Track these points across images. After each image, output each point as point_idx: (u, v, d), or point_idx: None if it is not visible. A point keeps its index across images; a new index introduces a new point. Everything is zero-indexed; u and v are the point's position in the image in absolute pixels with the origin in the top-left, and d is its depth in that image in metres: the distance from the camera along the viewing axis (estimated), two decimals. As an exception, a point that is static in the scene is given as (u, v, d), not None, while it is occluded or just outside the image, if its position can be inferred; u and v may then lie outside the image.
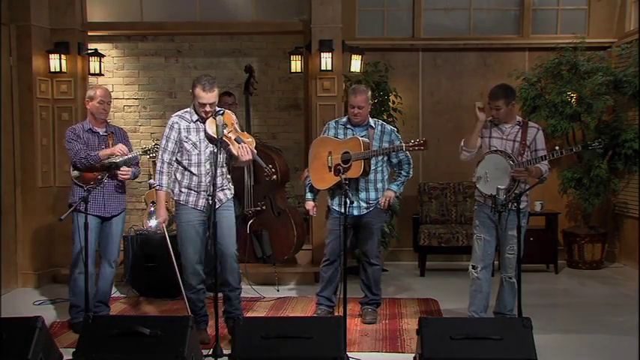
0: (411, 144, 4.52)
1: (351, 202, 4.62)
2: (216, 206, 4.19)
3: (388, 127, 4.86)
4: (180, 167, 4.30)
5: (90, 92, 4.77)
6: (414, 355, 3.71)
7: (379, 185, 4.79)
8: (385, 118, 6.68)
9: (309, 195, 4.98)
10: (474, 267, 4.49)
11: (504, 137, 4.41)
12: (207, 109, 4.18)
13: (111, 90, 7.24)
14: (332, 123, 4.94)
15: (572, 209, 7.20)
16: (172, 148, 4.27)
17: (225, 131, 4.16)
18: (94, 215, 4.54)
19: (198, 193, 4.28)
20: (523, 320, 3.51)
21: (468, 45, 7.23)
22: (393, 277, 6.49)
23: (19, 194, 6.10)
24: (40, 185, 6.14)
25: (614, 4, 7.11)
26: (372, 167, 4.69)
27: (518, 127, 4.41)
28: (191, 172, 4.26)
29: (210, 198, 4.17)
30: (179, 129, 4.25)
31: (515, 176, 4.23)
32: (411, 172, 4.87)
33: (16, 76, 6.07)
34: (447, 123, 7.19)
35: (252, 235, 5.94)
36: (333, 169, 4.68)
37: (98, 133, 4.71)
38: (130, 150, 4.76)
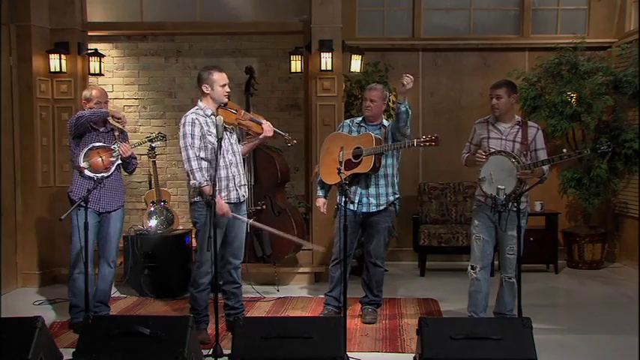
0: (422, 139, 4.48)
1: (351, 202, 4.62)
2: (241, 200, 4.45)
3: None
4: (204, 163, 4.29)
5: (86, 93, 4.80)
6: (414, 355, 3.71)
7: (389, 180, 4.79)
8: (385, 118, 6.67)
9: (320, 192, 5.01)
10: (472, 267, 4.47)
11: (503, 137, 4.38)
12: (227, 88, 4.38)
13: (110, 90, 7.30)
14: (347, 121, 4.99)
15: (572, 209, 7.20)
16: (198, 144, 4.27)
17: (239, 114, 4.39)
18: (90, 210, 4.47)
19: (227, 186, 4.35)
20: (523, 320, 3.51)
21: (468, 45, 7.23)
22: (393, 277, 6.48)
23: (19, 194, 6.10)
24: (40, 185, 6.14)
25: (614, 4, 7.11)
26: (383, 164, 4.71)
27: (517, 126, 4.39)
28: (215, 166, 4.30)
29: (240, 188, 4.43)
30: (200, 124, 4.29)
31: (522, 178, 4.21)
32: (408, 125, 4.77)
33: (16, 76, 6.07)
34: (447, 123, 7.19)
35: (252, 235, 5.94)
36: (344, 164, 4.68)
37: (98, 129, 4.73)
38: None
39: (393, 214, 4.93)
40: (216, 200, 4.19)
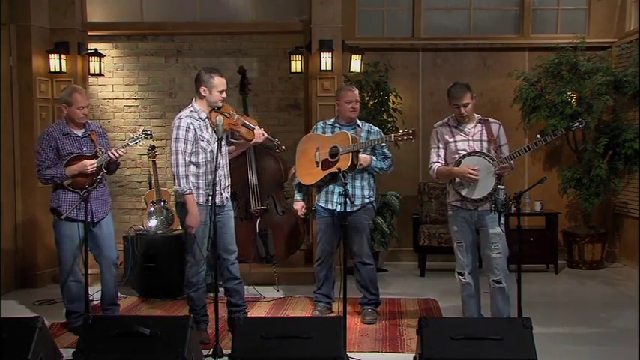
0: (399, 134, 4.57)
1: (348, 198, 4.60)
2: (224, 203, 4.43)
3: (375, 128, 4.98)
4: (193, 168, 4.31)
5: (65, 96, 4.53)
6: (414, 355, 3.71)
7: (365, 183, 4.82)
8: (385, 118, 6.69)
9: (298, 195, 5.10)
10: (460, 273, 4.38)
11: (470, 138, 4.29)
12: (224, 94, 4.37)
13: (110, 90, 7.31)
14: (320, 124, 5.05)
15: (572, 209, 7.19)
16: (190, 150, 4.27)
17: (232, 119, 4.38)
18: (81, 221, 4.42)
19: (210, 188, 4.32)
20: (523, 320, 3.51)
21: (468, 45, 7.23)
22: (393, 277, 6.49)
23: (19, 194, 6.10)
24: (40, 185, 6.10)
25: (614, 4, 7.11)
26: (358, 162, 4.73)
27: (480, 125, 4.31)
28: (204, 170, 4.33)
29: (224, 191, 4.41)
30: (194, 129, 4.28)
31: (501, 173, 4.16)
32: (391, 169, 4.95)
33: (16, 76, 6.08)
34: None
35: (257, 235, 5.93)
36: (320, 164, 4.76)
37: (77, 136, 4.55)
38: (108, 148, 4.60)
39: (371, 212, 4.95)
40: (192, 210, 4.21)
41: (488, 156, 4.18)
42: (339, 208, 4.77)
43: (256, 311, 5.20)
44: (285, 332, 3.51)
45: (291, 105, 7.39)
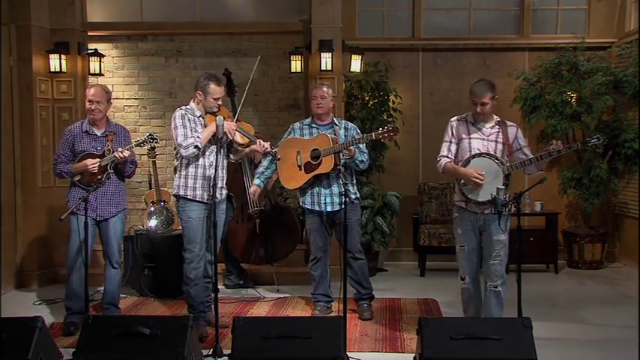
0: (380, 131, 4.57)
1: (346, 196, 4.59)
2: (217, 200, 4.41)
3: (350, 124, 5.04)
4: (185, 160, 4.41)
5: (87, 89, 4.81)
6: (414, 355, 3.71)
7: (349, 179, 4.84)
8: (385, 118, 6.69)
9: (257, 180, 5.08)
10: (462, 278, 4.33)
11: (486, 138, 4.22)
12: (220, 102, 4.47)
13: (110, 90, 7.29)
14: (296, 124, 5.06)
15: (572, 209, 7.20)
16: (190, 135, 4.36)
17: (225, 125, 4.37)
18: (89, 217, 4.44)
19: (203, 185, 4.41)
20: (523, 320, 3.51)
21: (468, 45, 7.23)
22: (393, 277, 6.49)
23: (19, 194, 6.10)
24: (40, 185, 6.14)
25: (614, 4, 7.11)
26: (342, 161, 4.73)
27: (497, 127, 4.25)
28: (196, 164, 4.42)
29: (218, 189, 4.41)
30: (189, 119, 4.41)
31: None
32: (366, 165, 4.96)
33: (16, 76, 6.08)
34: (446, 123, 7.14)
35: (258, 236, 5.91)
36: (303, 168, 4.79)
37: (96, 134, 4.66)
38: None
39: (357, 207, 4.98)
40: (210, 130, 4.31)
41: (498, 159, 4.12)
42: (329, 208, 4.83)
43: (256, 311, 5.20)
44: (285, 332, 3.51)
45: (291, 105, 7.39)
